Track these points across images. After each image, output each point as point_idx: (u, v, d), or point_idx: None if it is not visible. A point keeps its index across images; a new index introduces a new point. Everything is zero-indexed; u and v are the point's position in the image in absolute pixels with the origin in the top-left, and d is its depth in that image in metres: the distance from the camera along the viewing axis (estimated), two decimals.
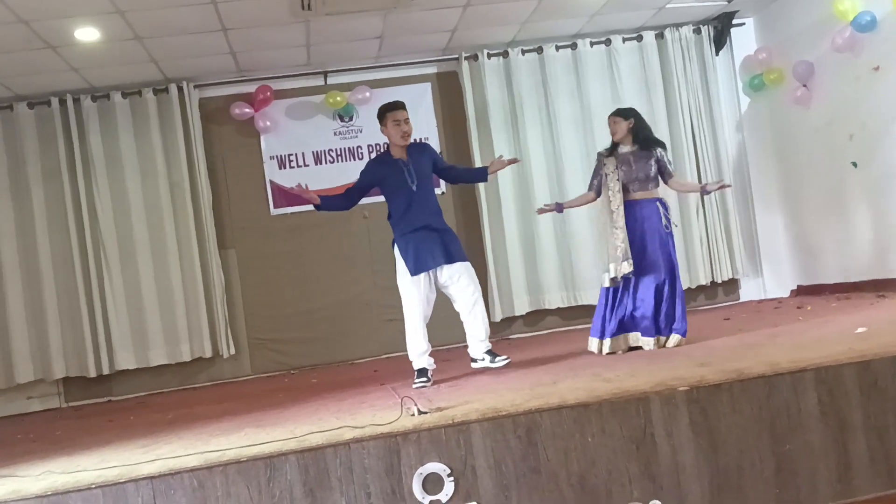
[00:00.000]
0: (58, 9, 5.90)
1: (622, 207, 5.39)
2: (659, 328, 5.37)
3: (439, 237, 5.21)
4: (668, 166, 5.53)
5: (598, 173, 5.61)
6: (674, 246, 5.51)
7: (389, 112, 5.29)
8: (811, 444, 3.67)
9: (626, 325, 5.43)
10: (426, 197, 5.28)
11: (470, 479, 3.52)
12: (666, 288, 5.37)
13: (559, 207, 5.92)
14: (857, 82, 6.99)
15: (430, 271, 5.17)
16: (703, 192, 5.93)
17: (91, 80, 7.48)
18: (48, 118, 7.63)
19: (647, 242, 5.39)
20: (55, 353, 7.50)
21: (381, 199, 8.18)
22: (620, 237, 5.33)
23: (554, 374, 4.72)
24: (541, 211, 6.03)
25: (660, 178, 5.53)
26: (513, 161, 5.65)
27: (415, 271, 5.14)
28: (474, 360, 5.37)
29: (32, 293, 7.53)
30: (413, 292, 5.19)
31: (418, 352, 5.23)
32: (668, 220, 5.47)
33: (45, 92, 7.55)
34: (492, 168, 5.53)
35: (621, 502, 3.42)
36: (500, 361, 5.24)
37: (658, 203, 5.46)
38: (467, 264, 5.28)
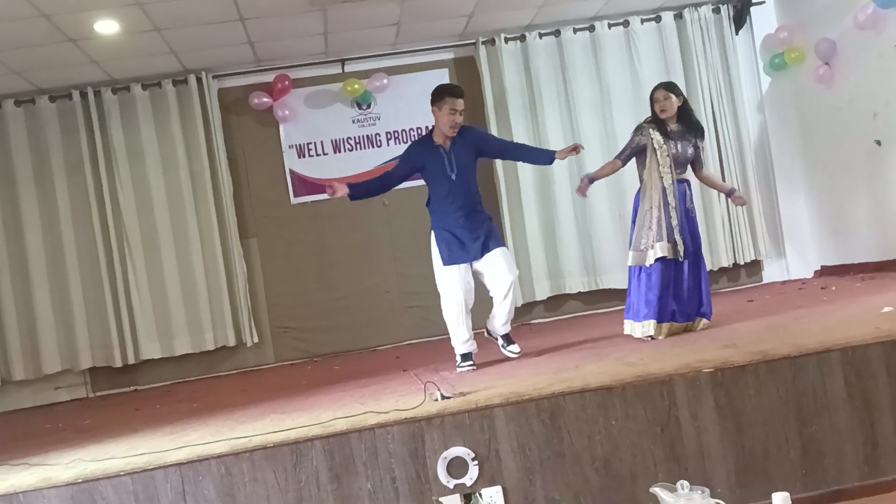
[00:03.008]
0: (78, 2, 5.94)
1: (675, 185, 5.18)
2: (690, 312, 5.25)
3: (476, 228, 5.09)
4: (702, 154, 5.39)
5: (635, 145, 5.26)
6: (698, 227, 5.43)
7: (449, 97, 5.06)
8: (837, 425, 3.65)
9: (682, 311, 5.21)
10: (465, 186, 5.11)
11: (494, 463, 3.54)
12: (695, 271, 5.25)
13: (589, 179, 5.45)
14: (880, 59, 6.89)
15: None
16: (730, 195, 5.73)
17: (111, 73, 7.53)
18: (70, 111, 7.70)
19: (685, 223, 5.22)
20: (81, 343, 7.60)
21: (401, 185, 8.26)
22: (674, 216, 5.14)
23: (577, 358, 4.72)
24: (581, 191, 5.53)
25: (691, 165, 5.37)
26: (576, 149, 5.17)
27: (447, 261, 5.09)
28: (489, 333, 5.37)
29: (58, 285, 7.62)
30: (447, 281, 5.10)
31: (460, 340, 5.10)
32: (692, 201, 5.39)
33: (67, 85, 7.61)
34: (561, 154, 5.12)
35: (646, 485, 3.42)
36: (512, 351, 5.23)
37: (686, 184, 5.34)
38: (503, 250, 5.14)
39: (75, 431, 5.04)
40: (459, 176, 5.10)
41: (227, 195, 7.82)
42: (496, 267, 5.06)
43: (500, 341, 5.30)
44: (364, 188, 5.35)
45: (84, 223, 7.67)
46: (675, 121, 5.26)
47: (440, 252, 5.12)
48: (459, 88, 5.21)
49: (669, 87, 5.29)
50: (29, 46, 6.55)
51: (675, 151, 5.19)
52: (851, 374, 3.68)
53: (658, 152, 5.17)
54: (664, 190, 5.17)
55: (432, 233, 5.20)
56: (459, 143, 5.13)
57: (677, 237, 5.13)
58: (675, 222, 5.15)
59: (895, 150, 6.93)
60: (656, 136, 5.18)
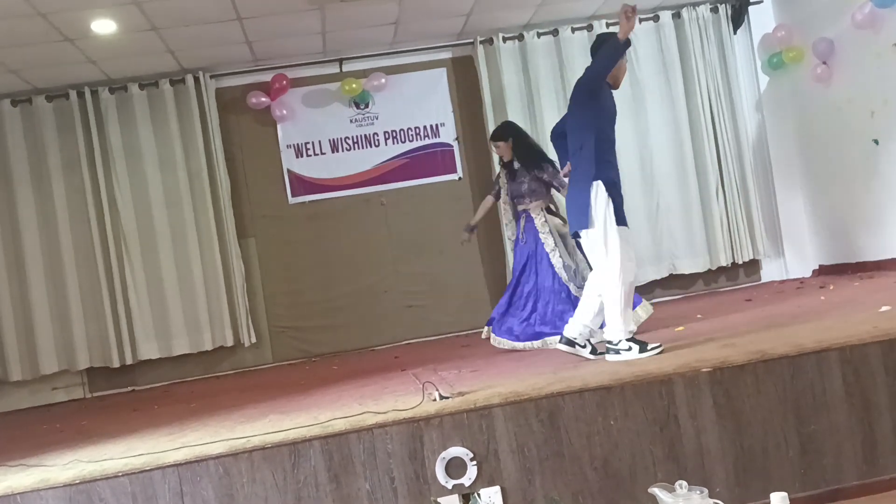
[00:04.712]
0: (74, 1, 5.92)
1: (513, 220, 5.95)
2: (527, 334, 5.64)
3: None
4: (555, 178, 5.65)
5: (495, 191, 6.10)
6: (543, 251, 5.75)
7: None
8: (836, 424, 3.65)
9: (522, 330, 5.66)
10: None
11: (493, 464, 3.53)
12: (535, 292, 5.71)
13: (470, 229, 6.24)
14: (878, 59, 6.89)
15: None
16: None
17: (108, 72, 7.51)
18: (67, 111, 7.68)
19: (518, 249, 5.87)
20: (79, 344, 7.58)
21: (399, 185, 8.28)
22: (509, 245, 6.13)
23: (575, 357, 4.70)
24: (465, 242, 6.36)
25: (555, 191, 5.77)
26: None
27: (621, 221, 4.43)
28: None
29: (55, 285, 7.60)
30: (624, 245, 4.43)
31: (627, 319, 4.48)
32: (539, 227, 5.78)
33: (64, 84, 7.60)
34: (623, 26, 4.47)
35: (645, 485, 3.41)
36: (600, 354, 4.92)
37: (525, 215, 5.80)
38: (587, 232, 4.53)
39: (73, 432, 5.02)
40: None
41: (224, 195, 7.80)
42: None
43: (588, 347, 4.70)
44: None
45: (81, 223, 7.65)
46: (517, 160, 5.79)
47: (614, 208, 4.37)
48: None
49: (494, 136, 5.96)
50: (25, 45, 6.53)
51: (512, 189, 5.80)
52: (850, 373, 3.68)
53: (503, 192, 5.92)
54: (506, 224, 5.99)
55: (597, 184, 4.38)
56: None
57: (508, 261, 5.81)
58: (510, 248, 5.94)
59: (893, 149, 6.94)
60: (502, 180, 5.92)
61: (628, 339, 4.40)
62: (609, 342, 4.45)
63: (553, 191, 5.79)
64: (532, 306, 5.60)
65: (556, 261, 5.56)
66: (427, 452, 3.52)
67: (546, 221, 5.68)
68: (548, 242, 5.62)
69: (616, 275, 4.36)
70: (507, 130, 5.94)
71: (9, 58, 6.77)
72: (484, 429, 3.55)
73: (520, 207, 5.79)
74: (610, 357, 4.43)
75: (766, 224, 8.25)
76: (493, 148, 5.98)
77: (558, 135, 5.06)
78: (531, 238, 5.69)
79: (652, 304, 5.81)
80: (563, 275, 5.53)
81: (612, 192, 4.38)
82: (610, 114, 4.56)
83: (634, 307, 5.27)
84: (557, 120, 7.93)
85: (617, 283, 4.36)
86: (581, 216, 4.43)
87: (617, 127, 4.66)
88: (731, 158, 8.13)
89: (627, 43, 4.37)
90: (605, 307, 4.47)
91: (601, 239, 4.37)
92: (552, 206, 5.89)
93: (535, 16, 7.81)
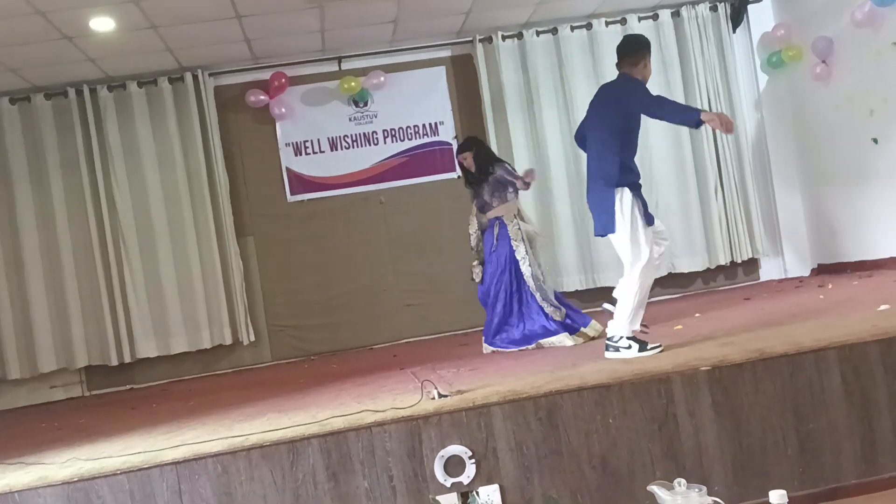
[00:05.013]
0: None
1: (479, 232, 5.98)
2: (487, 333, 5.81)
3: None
4: (508, 179, 5.75)
5: (474, 202, 6.04)
6: (513, 257, 5.77)
7: (648, 53, 4.62)
8: (835, 422, 3.65)
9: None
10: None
11: (491, 462, 3.53)
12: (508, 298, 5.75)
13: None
14: (877, 57, 6.89)
15: None
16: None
17: (107, 70, 7.50)
18: (66, 109, 7.67)
19: (488, 256, 5.87)
20: (77, 342, 7.57)
21: (398, 183, 8.26)
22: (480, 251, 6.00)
23: (574, 356, 4.71)
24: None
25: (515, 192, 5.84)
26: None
27: (650, 221, 4.53)
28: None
29: (54, 283, 7.59)
30: (651, 245, 4.49)
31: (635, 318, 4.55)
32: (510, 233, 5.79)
33: (62, 83, 7.59)
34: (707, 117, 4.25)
35: (643, 483, 3.41)
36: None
37: (498, 222, 5.78)
38: (614, 237, 4.55)
39: (71, 430, 5.02)
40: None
41: (223, 193, 7.80)
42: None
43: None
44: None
45: (80, 221, 7.64)
46: (477, 169, 5.86)
47: (643, 210, 4.47)
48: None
49: (460, 150, 6.01)
50: (24, 43, 6.52)
51: (479, 202, 5.88)
52: (848, 371, 3.69)
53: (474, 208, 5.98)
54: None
55: (624, 190, 4.44)
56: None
57: (474, 266, 5.89)
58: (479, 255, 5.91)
59: (892, 148, 6.94)
60: (470, 191, 5.99)
61: (629, 338, 4.42)
62: (610, 339, 4.46)
63: (515, 193, 5.83)
64: (518, 310, 5.65)
65: (525, 269, 5.63)
66: (426, 451, 3.51)
67: (520, 229, 5.73)
68: (519, 250, 5.66)
69: (637, 274, 4.41)
70: (471, 140, 6.10)
71: (8, 56, 6.76)
72: (482, 427, 3.55)
73: (490, 215, 5.81)
74: (609, 354, 4.44)
75: (764, 223, 8.25)
76: (461, 162, 6.01)
77: (582, 138, 5.09)
78: (504, 245, 5.71)
79: (650, 302, 5.76)
80: (531, 283, 5.59)
81: (638, 195, 4.45)
82: (638, 123, 4.59)
83: (585, 326, 5.53)
84: (556, 118, 8.05)
85: (636, 282, 4.41)
86: (607, 222, 4.47)
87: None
88: (729, 157, 8.13)
89: (698, 123, 4.24)
90: (618, 302, 4.50)
91: (628, 241, 4.41)
92: (523, 213, 5.97)
93: (534, 14, 7.81)
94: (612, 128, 4.49)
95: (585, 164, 4.75)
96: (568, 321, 5.54)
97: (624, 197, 4.40)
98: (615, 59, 4.66)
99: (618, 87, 4.59)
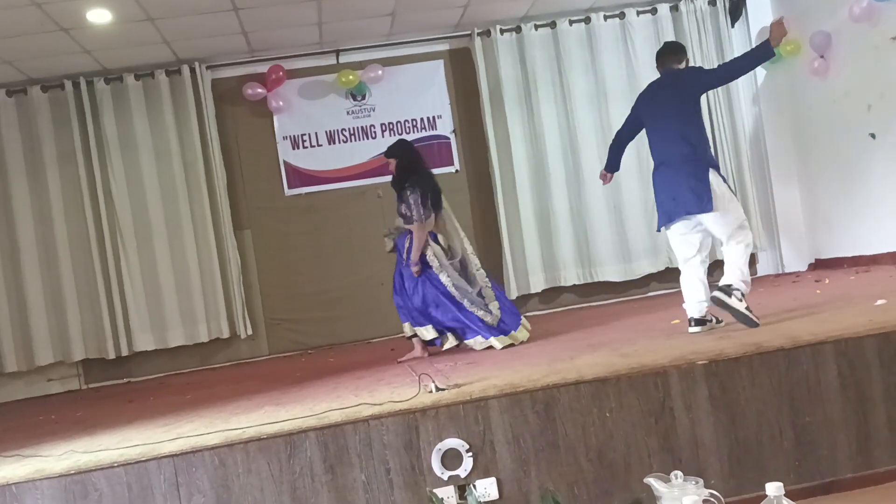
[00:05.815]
0: None
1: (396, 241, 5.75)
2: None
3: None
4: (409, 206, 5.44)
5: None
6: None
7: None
8: (831, 416, 3.66)
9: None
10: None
11: (488, 455, 3.53)
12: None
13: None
14: (875, 52, 6.89)
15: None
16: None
17: (104, 63, 7.49)
18: (62, 101, 7.65)
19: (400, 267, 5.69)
20: (74, 335, 7.57)
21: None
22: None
23: (571, 349, 4.71)
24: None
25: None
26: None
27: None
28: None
29: (51, 276, 7.59)
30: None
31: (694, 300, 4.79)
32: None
33: (59, 75, 7.57)
34: (774, 34, 4.65)
35: (640, 476, 3.41)
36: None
37: (407, 235, 5.55)
38: (714, 215, 4.68)
39: (68, 423, 5.02)
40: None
41: (220, 186, 7.79)
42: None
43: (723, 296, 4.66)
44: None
45: (76, 214, 7.64)
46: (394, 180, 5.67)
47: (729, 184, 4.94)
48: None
49: (385, 152, 5.75)
50: (20, 35, 6.51)
51: (397, 207, 5.62)
52: (845, 365, 3.69)
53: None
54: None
55: (713, 171, 4.75)
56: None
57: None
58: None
59: (890, 143, 6.94)
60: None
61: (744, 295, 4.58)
62: (728, 285, 4.58)
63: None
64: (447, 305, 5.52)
65: (446, 280, 5.45)
66: (423, 444, 3.52)
67: (434, 254, 5.50)
68: (433, 265, 5.48)
69: (748, 230, 4.77)
70: (397, 147, 5.77)
71: (3, 48, 6.74)
72: (480, 420, 3.55)
73: (406, 226, 5.57)
74: (717, 294, 4.55)
75: (762, 217, 8.26)
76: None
77: (625, 140, 5.41)
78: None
79: (647, 297, 5.79)
80: (455, 293, 5.43)
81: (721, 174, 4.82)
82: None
83: (515, 329, 5.48)
84: (554, 112, 8.03)
85: (749, 235, 4.76)
86: (704, 201, 4.66)
87: (613, 118, 4.75)
88: (727, 151, 8.13)
89: (772, 52, 4.70)
90: (734, 260, 4.69)
91: (726, 212, 4.68)
92: (445, 227, 5.71)
93: (532, 8, 7.79)
94: (696, 113, 4.89)
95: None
96: (502, 324, 5.46)
97: (715, 176, 4.72)
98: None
99: (687, 76, 5.01)
